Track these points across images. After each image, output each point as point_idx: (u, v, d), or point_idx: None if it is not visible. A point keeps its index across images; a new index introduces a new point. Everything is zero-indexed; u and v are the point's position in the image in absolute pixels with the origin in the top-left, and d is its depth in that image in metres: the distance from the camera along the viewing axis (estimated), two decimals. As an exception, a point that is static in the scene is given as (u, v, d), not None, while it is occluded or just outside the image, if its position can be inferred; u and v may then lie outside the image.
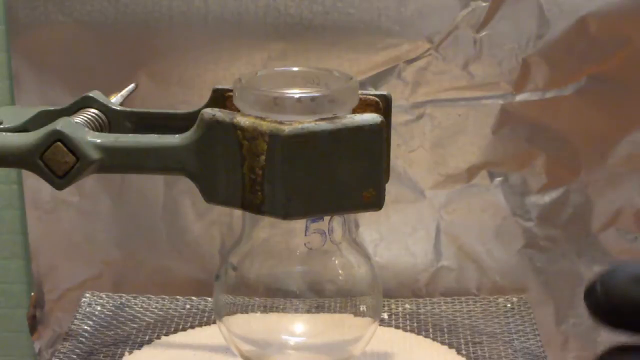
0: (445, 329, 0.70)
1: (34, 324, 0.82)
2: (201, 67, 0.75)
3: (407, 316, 0.72)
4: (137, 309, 0.74)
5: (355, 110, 0.54)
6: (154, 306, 0.74)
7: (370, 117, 0.51)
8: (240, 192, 0.51)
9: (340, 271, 0.59)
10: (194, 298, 0.75)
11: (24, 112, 0.59)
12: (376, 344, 0.63)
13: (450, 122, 0.76)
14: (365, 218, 0.76)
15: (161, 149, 0.52)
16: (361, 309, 0.59)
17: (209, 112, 0.51)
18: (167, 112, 0.59)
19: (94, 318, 0.73)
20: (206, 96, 0.58)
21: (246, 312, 0.59)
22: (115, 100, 0.61)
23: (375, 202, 0.52)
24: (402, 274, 0.78)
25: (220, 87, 0.58)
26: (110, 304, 0.75)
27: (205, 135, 0.51)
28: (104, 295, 0.76)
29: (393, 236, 0.78)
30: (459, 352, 0.67)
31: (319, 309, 0.59)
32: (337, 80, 0.54)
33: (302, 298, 0.59)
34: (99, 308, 0.74)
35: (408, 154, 0.76)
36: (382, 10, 0.73)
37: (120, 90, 0.62)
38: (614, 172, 0.76)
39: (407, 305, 0.74)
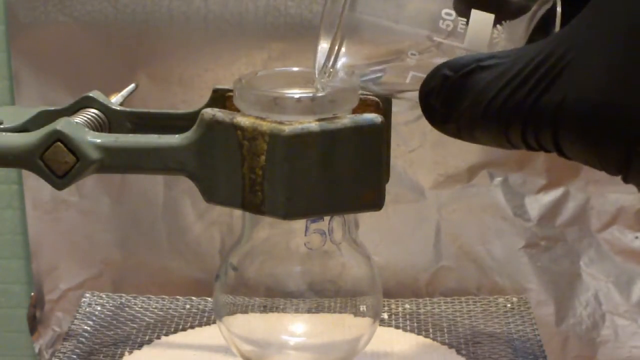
0: (445, 329, 0.70)
1: (34, 324, 0.82)
2: (201, 67, 0.75)
3: (407, 316, 0.72)
4: (137, 309, 0.74)
5: (355, 111, 0.54)
6: (154, 306, 0.74)
7: (370, 117, 0.51)
8: (240, 192, 0.51)
9: (340, 271, 0.59)
10: (194, 298, 0.75)
11: (24, 112, 0.59)
12: (376, 344, 0.63)
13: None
14: (365, 218, 0.76)
15: (161, 149, 0.52)
16: (361, 309, 0.59)
17: (209, 112, 0.51)
18: (167, 112, 0.59)
19: (94, 318, 0.73)
20: (206, 96, 0.58)
21: (246, 312, 0.59)
22: (115, 100, 0.61)
23: (375, 203, 0.52)
24: (402, 274, 0.78)
25: (220, 87, 0.58)
26: (110, 304, 0.75)
27: (205, 135, 0.51)
28: (104, 295, 0.76)
29: (393, 236, 0.78)
30: (459, 352, 0.67)
31: (319, 309, 0.59)
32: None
33: (302, 298, 0.59)
34: (99, 308, 0.74)
35: (408, 154, 0.76)
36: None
37: (120, 91, 0.62)
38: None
39: (407, 305, 0.74)
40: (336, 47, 0.45)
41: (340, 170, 0.50)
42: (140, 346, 0.68)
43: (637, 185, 0.41)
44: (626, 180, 0.41)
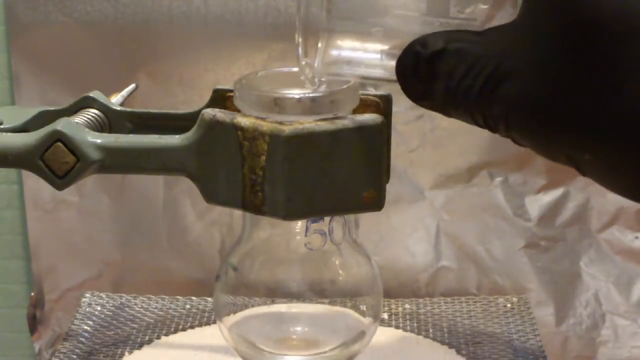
0: (445, 329, 0.70)
1: (34, 324, 0.82)
2: (201, 67, 0.75)
3: (407, 316, 0.72)
4: (137, 309, 0.74)
5: (355, 111, 0.54)
6: (154, 306, 0.74)
7: (370, 118, 0.51)
8: (240, 193, 0.51)
9: (340, 271, 0.59)
10: (194, 298, 0.75)
11: (24, 112, 0.58)
12: (376, 344, 0.63)
13: (450, 122, 0.75)
14: (366, 218, 0.76)
15: (161, 149, 0.52)
16: (361, 309, 0.59)
17: (209, 112, 0.51)
18: (167, 113, 0.59)
19: (94, 318, 0.73)
20: (206, 96, 0.58)
21: (246, 312, 0.59)
22: (115, 100, 0.61)
23: (376, 203, 0.52)
24: (402, 274, 0.78)
25: (220, 87, 0.58)
26: (110, 304, 0.75)
27: (205, 135, 0.51)
28: (104, 295, 0.76)
29: (393, 236, 0.78)
30: (459, 352, 0.67)
31: (319, 309, 0.59)
32: (338, 80, 0.54)
33: (302, 298, 0.59)
34: (99, 308, 0.74)
35: (408, 154, 0.76)
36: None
37: (120, 91, 0.62)
38: (614, 172, 0.76)
39: (407, 305, 0.74)
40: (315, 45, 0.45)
41: (340, 171, 0.50)
42: (140, 346, 0.68)
43: (595, 180, 0.41)
44: (582, 174, 0.41)
